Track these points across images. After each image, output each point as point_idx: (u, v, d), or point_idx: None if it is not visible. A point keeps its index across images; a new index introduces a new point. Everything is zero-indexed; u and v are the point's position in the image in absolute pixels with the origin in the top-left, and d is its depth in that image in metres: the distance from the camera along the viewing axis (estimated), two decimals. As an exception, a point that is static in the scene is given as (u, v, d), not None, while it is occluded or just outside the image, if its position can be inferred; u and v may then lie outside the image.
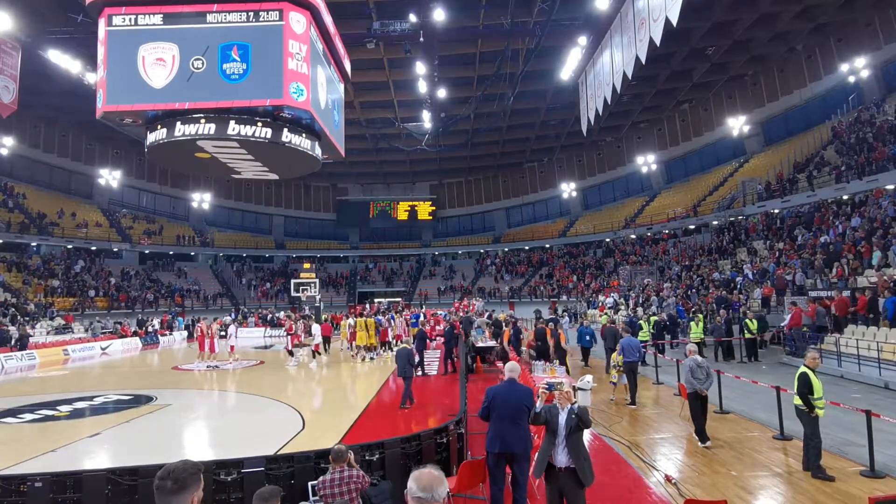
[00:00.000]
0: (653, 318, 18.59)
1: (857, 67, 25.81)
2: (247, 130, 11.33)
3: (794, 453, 7.20)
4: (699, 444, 7.61)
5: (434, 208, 48.03)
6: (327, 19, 12.78)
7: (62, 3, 20.42)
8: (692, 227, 32.81)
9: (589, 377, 10.64)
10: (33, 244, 32.49)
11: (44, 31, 21.06)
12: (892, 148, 20.29)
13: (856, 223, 19.11)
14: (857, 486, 5.91)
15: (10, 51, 20.09)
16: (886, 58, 25.50)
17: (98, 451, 8.07)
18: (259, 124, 11.44)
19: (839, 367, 12.80)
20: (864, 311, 13.76)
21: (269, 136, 11.56)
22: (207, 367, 17.20)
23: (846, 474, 6.14)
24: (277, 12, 11.23)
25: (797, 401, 6.60)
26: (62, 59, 21.62)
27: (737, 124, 31.47)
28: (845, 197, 22.02)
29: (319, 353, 18.09)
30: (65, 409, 11.05)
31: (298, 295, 33.18)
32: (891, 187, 19.98)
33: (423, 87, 26.70)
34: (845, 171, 21.97)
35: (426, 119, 30.82)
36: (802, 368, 6.66)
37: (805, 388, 6.52)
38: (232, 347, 18.17)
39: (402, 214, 47.83)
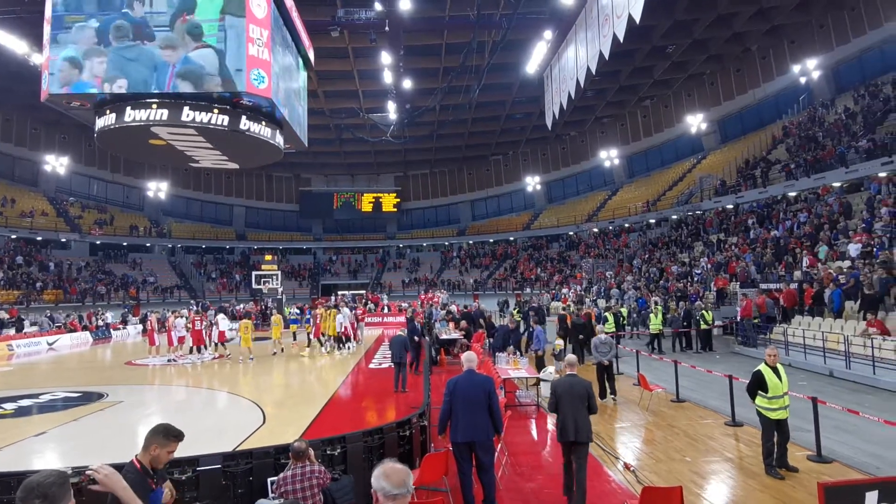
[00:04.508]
0: (623, 310, 19.13)
1: (809, 68, 26.89)
2: (204, 117, 10.93)
3: (745, 439, 7.50)
4: (599, 399, 9.61)
5: (399, 200, 47.73)
6: (290, 3, 12.45)
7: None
8: (652, 220, 33.67)
9: (551, 368, 10.81)
10: (-27, 234, 30.70)
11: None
12: (840, 147, 21.25)
13: (803, 218, 19.99)
14: (806, 472, 6.18)
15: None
16: (839, 58, 26.61)
17: (45, 450, 7.70)
18: (217, 111, 11.06)
19: (786, 356, 13.39)
20: (811, 303, 14.43)
21: (227, 123, 11.20)
22: (169, 360, 16.64)
23: (795, 460, 6.40)
24: (237, -5, 10.86)
25: (758, 401, 6.41)
26: (7, 40, 20.34)
27: (695, 121, 32.40)
28: (793, 194, 22.99)
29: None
30: (9, 406, 10.49)
31: (260, 287, 32.49)
32: (837, 185, 20.96)
33: (388, 77, 26.41)
34: (794, 168, 22.92)
35: (391, 110, 30.53)
36: (760, 365, 6.55)
37: (756, 385, 6.38)
38: (181, 339, 17.58)
39: (367, 206, 47.38)
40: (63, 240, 35.13)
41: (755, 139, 30.19)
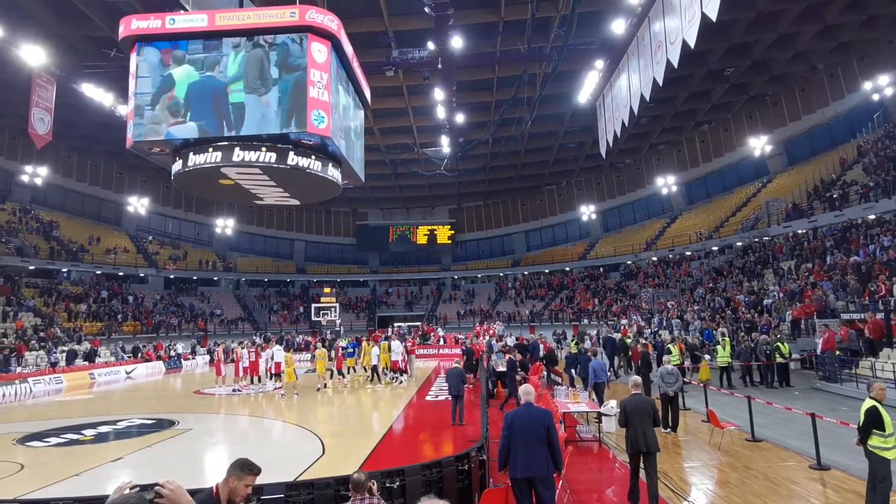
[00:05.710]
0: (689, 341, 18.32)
1: (881, 85, 25.42)
2: (252, 156, 11.56)
3: (832, 484, 6.88)
4: (662, 430, 9.49)
5: (453, 232, 48.12)
6: (348, 49, 13.08)
7: (96, 39, 21.34)
8: (715, 248, 32.24)
9: (613, 402, 10.39)
10: (64, 270, 33.35)
11: (78, 66, 21.97)
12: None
13: (887, 242, 18.57)
14: (903, 520, 5.59)
15: (45, 84, 20.98)
16: (912, 75, 25.08)
17: (121, 475, 8.09)
18: (265, 149, 11.68)
19: (876, 392, 12.29)
20: (901, 334, 13.27)
21: (275, 160, 11.79)
22: (233, 390, 17.27)
23: (890, 507, 5.81)
24: (300, 42, 11.56)
25: (872, 441, 5.77)
26: (95, 92, 22.48)
27: (758, 144, 31.12)
28: (872, 216, 21.46)
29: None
30: (89, 433, 11.16)
31: (319, 319, 33.36)
32: (922, 206, 19.43)
33: (441, 112, 27.03)
34: (873, 189, 21.47)
35: (445, 144, 31.11)
36: (869, 402, 5.88)
37: (872, 424, 5.75)
38: (246, 370, 18.18)
39: (422, 238, 48.02)
40: (141, 274, 37.61)
41: (826, 160, 28.57)
